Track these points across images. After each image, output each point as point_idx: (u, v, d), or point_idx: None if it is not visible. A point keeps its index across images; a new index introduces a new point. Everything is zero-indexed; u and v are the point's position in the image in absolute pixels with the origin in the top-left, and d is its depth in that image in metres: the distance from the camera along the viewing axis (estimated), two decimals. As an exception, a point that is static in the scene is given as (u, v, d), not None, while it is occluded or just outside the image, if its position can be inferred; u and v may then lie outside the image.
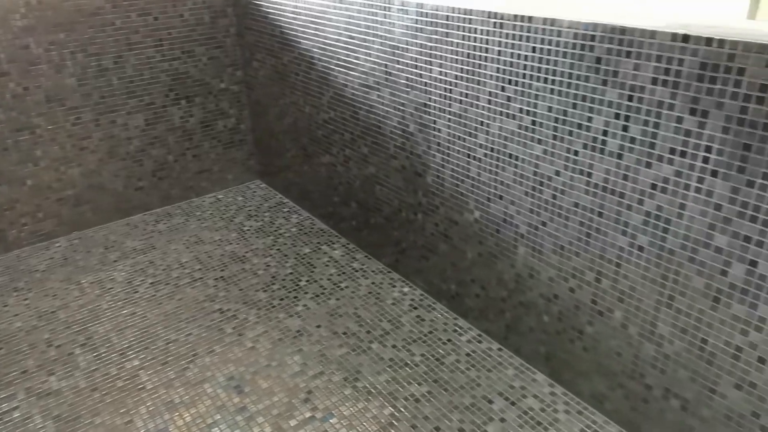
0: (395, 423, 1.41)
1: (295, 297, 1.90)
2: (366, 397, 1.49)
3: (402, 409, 1.45)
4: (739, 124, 0.98)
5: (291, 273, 2.03)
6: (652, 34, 1.05)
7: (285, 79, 2.25)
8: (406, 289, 1.93)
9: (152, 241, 2.26)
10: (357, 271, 2.04)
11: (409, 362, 1.61)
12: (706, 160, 1.04)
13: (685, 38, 1.01)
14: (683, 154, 1.07)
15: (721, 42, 0.96)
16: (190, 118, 2.49)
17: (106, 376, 1.60)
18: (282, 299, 1.90)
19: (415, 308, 1.84)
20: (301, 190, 2.44)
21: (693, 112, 1.03)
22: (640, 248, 1.20)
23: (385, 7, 1.65)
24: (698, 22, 1.09)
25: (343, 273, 2.03)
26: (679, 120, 1.06)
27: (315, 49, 2.00)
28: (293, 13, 2.05)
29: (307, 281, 1.99)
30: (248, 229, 2.32)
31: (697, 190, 1.07)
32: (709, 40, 0.98)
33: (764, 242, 1.00)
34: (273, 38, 2.22)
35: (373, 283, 1.97)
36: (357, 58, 1.83)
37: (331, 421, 1.43)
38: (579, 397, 1.47)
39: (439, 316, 1.79)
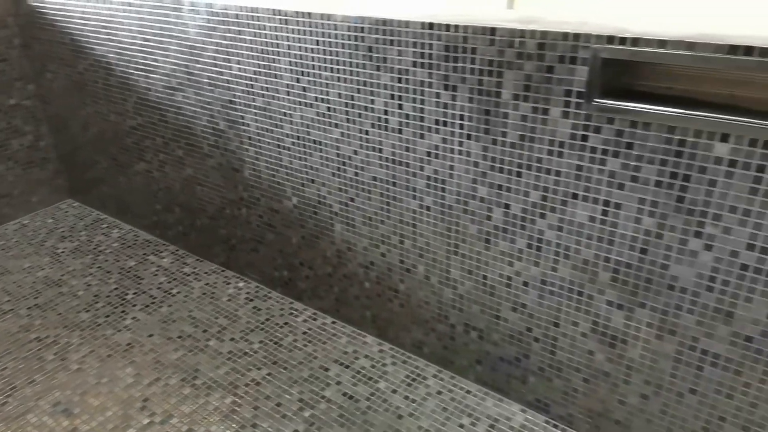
0: (237, 409, 1.46)
1: (123, 311, 1.84)
2: (206, 392, 1.52)
3: (243, 395, 1.51)
4: (479, 94, 1.20)
5: (116, 288, 1.95)
6: (407, 23, 1.24)
7: (83, 88, 2.13)
8: (241, 284, 1.97)
9: (-56, 280, 2.00)
10: (189, 275, 2.02)
11: (248, 351, 1.66)
12: (461, 126, 1.25)
13: (431, 26, 1.20)
14: (445, 123, 1.28)
15: (457, 27, 1.17)
16: (-25, 139, 2.23)
17: None
18: (108, 316, 1.82)
19: (251, 300, 1.89)
20: (118, 202, 2.33)
21: (446, 87, 1.24)
22: (428, 208, 1.40)
23: (175, 8, 1.66)
24: (445, 11, 1.30)
25: (174, 279, 2.00)
26: (438, 95, 1.26)
27: (111, 55, 1.94)
28: (82, 19, 1.96)
29: (135, 294, 1.93)
30: (62, 252, 2.17)
31: (460, 153, 1.28)
32: (448, 26, 1.18)
33: (512, 188, 1.24)
34: (64, 46, 2.09)
35: (206, 284, 1.97)
36: (156, 60, 1.82)
37: (171, 422, 1.43)
38: (403, 348, 1.65)
39: (275, 303, 1.87)
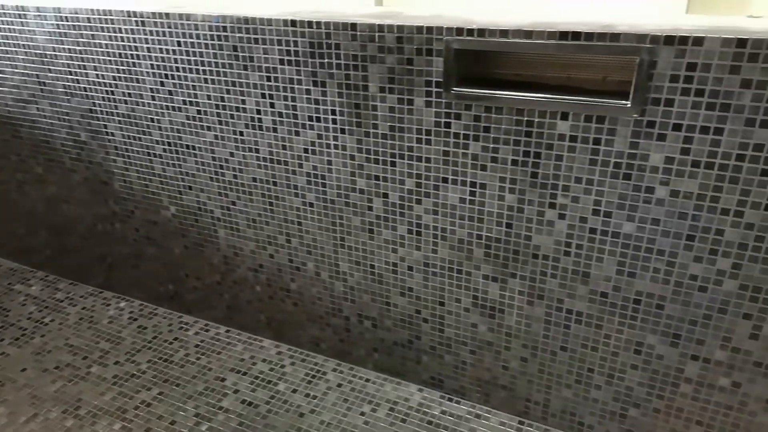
0: (128, 433, 1.38)
1: (-13, 348, 1.66)
2: (91, 422, 1.41)
3: (133, 419, 1.42)
4: (347, 89, 1.23)
5: (-24, 325, 1.76)
6: (270, 21, 1.23)
7: None
8: (122, 304, 1.85)
9: None
10: (62, 301, 1.87)
11: (135, 373, 1.57)
12: (334, 121, 1.28)
13: (294, 23, 1.21)
14: (318, 119, 1.29)
15: (319, 24, 1.19)
16: None
17: None
18: (-32, 356, 1.63)
19: (135, 320, 1.78)
20: (-28, 231, 2.09)
21: (315, 83, 1.25)
22: (311, 204, 1.41)
23: (19, 14, 1.53)
24: (307, 7, 1.32)
25: (46, 307, 1.83)
26: (308, 92, 1.27)
27: (-55, 66, 1.73)
28: None
29: (1, 327, 1.74)
30: None
31: (336, 147, 1.31)
32: (311, 23, 1.20)
33: (388, 177, 1.28)
34: None
35: (83, 308, 1.83)
36: (3, 72, 1.65)
37: (53, 459, 1.32)
38: (300, 347, 1.65)
39: (162, 319, 1.78)
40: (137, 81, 1.46)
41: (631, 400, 1.27)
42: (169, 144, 1.52)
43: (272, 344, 1.67)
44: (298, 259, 1.50)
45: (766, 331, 1.08)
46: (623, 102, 1.00)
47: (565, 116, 1.06)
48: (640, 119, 1.01)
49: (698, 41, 0.92)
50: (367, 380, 1.54)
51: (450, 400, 1.47)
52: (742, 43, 0.90)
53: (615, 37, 0.96)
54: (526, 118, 1.09)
